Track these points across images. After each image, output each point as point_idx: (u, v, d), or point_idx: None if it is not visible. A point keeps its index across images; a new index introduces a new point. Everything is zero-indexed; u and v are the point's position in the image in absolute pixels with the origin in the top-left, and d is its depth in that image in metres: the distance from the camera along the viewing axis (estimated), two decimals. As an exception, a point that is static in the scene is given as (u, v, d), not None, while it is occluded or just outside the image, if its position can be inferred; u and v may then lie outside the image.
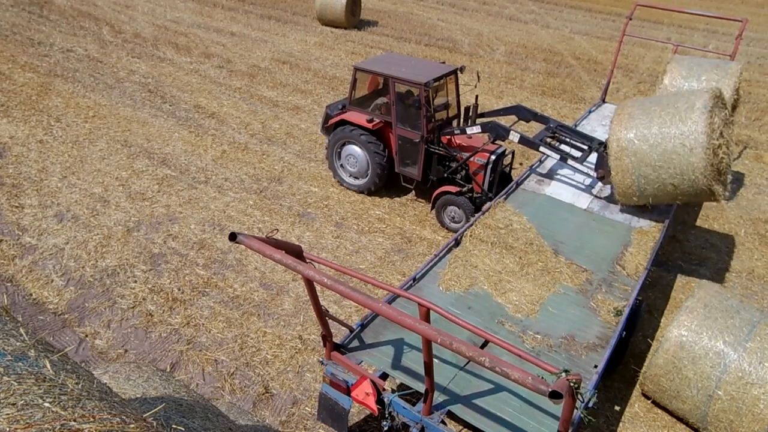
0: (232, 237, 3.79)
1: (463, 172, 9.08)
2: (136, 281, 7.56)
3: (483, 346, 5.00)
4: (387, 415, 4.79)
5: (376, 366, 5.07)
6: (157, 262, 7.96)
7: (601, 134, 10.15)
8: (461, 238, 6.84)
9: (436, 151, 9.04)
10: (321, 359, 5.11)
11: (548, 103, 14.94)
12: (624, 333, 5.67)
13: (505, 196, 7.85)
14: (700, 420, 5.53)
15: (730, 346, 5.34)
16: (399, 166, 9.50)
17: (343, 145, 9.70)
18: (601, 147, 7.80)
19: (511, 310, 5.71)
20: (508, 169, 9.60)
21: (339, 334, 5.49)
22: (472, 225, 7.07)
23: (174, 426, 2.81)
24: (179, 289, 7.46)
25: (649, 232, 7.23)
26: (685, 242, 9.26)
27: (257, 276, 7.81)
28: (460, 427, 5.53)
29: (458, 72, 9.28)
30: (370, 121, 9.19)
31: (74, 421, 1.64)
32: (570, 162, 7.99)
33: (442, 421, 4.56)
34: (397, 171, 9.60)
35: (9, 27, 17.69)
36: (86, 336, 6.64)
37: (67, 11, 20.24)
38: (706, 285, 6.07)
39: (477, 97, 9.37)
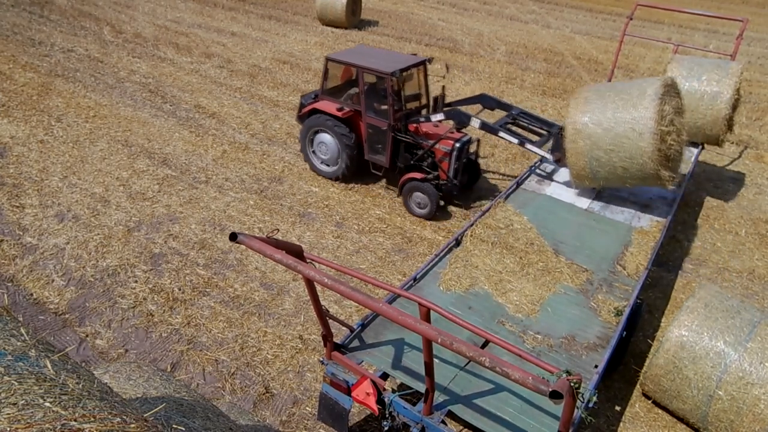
0: (233, 237, 3.79)
1: (430, 159, 9.33)
2: (136, 281, 7.56)
3: (483, 346, 5.00)
4: (387, 415, 4.79)
5: (377, 366, 5.07)
6: (158, 262, 7.96)
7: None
8: (462, 238, 6.84)
9: (403, 138, 9.29)
10: (321, 359, 5.12)
11: (549, 103, 14.93)
12: (624, 333, 5.67)
13: (505, 196, 7.86)
14: (701, 420, 5.53)
15: (731, 346, 5.33)
16: (368, 154, 9.81)
17: (316, 133, 10.01)
18: (560, 131, 8.07)
19: (511, 310, 5.72)
20: (474, 156, 9.89)
21: (339, 334, 5.49)
22: (472, 225, 7.08)
23: (174, 426, 2.81)
24: (180, 289, 7.47)
25: (649, 232, 7.23)
26: (686, 242, 9.26)
27: (258, 276, 7.81)
28: (461, 427, 5.53)
29: (426, 63, 9.55)
30: (340, 109, 9.48)
31: (75, 420, 1.64)
32: (527, 146, 8.25)
33: (443, 421, 4.56)
34: (366, 158, 9.89)
35: (10, 27, 17.70)
36: (87, 336, 6.64)
37: (68, 11, 20.25)
38: (706, 285, 6.07)
39: (444, 87, 9.65)
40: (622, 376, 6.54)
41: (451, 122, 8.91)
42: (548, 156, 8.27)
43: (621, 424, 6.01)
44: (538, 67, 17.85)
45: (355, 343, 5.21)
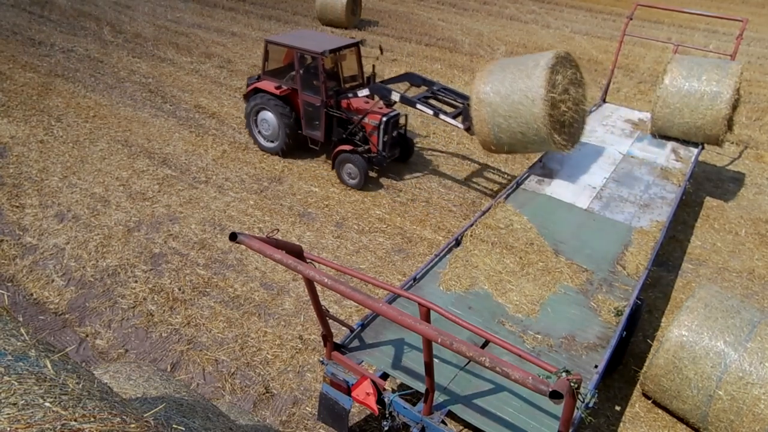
0: (233, 237, 3.78)
1: (361, 133, 10.02)
2: (136, 281, 7.56)
3: (483, 346, 5.00)
4: (387, 415, 4.79)
5: (377, 366, 5.07)
6: (158, 261, 7.96)
7: (601, 133, 10.17)
8: (462, 238, 6.84)
9: (336, 114, 10.05)
10: (321, 359, 5.11)
11: (549, 103, 14.93)
12: (624, 333, 5.67)
13: (505, 196, 7.86)
14: (701, 420, 5.53)
15: (731, 346, 5.33)
16: (305, 129, 10.56)
17: (258, 111, 10.69)
18: (467, 102, 8.63)
19: (511, 310, 5.71)
20: (403, 130, 10.59)
21: (339, 334, 5.49)
22: (472, 225, 7.08)
23: (174, 426, 2.81)
24: (180, 289, 7.46)
25: (649, 232, 7.23)
26: (686, 242, 9.26)
27: (258, 276, 7.81)
28: (461, 427, 5.53)
29: (359, 45, 10.44)
30: (278, 88, 10.23)
31: (75, 420, 1.64)
32: (441, 116, 8.82)
33: (443, 421, 4.56)
34: (303, 134, 10.62)
35: (10, 27, 17.70)
36: (87, 336, 6.64)
37: (68, 11, 20.25)
38: (706, 285, 6.07)
39: (374, 66, 10.27)
40: (622, 376, 6.54)
41: (382, 99, 9.64)
42: (459, 125, 8.77)
43: (621, 424, 6.01)
44: (538, 67, 17.83)
45: (355, 343, 5.21)
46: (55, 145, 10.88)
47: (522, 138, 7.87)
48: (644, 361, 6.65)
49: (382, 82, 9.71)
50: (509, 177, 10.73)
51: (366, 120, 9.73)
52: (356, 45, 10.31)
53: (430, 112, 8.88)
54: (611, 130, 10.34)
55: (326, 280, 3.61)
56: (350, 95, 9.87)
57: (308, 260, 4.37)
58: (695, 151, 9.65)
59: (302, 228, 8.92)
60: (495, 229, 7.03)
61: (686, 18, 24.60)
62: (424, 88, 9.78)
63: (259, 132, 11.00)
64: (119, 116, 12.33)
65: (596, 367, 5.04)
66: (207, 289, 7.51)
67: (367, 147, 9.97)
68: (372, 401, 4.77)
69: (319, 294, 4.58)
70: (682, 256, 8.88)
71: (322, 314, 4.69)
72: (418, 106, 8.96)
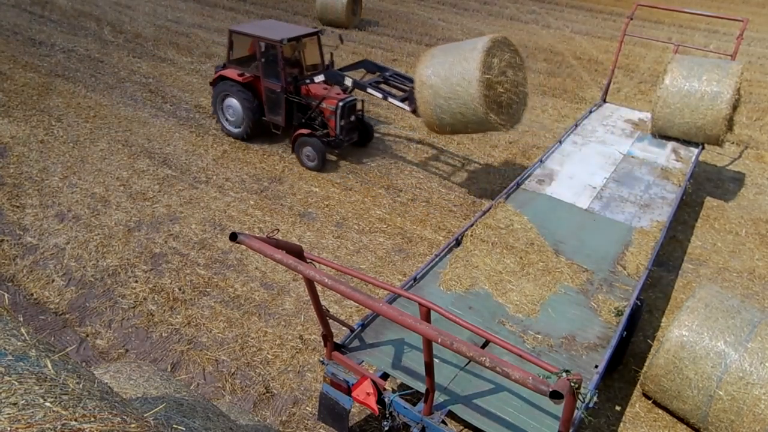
0: (233, 237, 3.79)
1: (319, 118, 10.57)
2: (137, 281, 7.56)
3: (484, 346, 5.00)
4: (388, 415, 4.79)
5: (377, 366, 5.07)
6: (158, 261, 7.96)
7: (601, 133, 10.17)
8: (462, 238, 6.84)
9: (295, 100, 10.60)
10: (322, 359, 5.11)
11: (549, 102, 14.94)
12: (625, 333, 5.67)
13: (505, 196, 7.86)
14: (701, 420, 5.53)
15: (731, 346, 5.33)
16: (268, 114, 11.08)
17: (224, 98, 11.19)
18: (412, 85, 8.95)
19: (511, 310, 5.71)
20: (360, 114, 11.07)
21: (340, 334, 5.49)
22: (472, 225, 7.07)
23: (175, 426, 2.81)
24: (180, 289, 7.47)
25: (649, 232, 7.22)
26: (686, 242, 9.26)
27: (258, 276, 7.81)
28: (461, 427, 5.53)
29: (319, 34, 10.96)
30: (241, 75, 10.72)
31: (75, 420, 1.64)
32: (390, 99, 9.34)
33: (443, 421, 4.56)
34: (266, 119, 11.15)
35: (10, 27, 17.70)
36: (87, 336, 6.65)
37: (68, 11, 20.26)
38: (706, 285, 6.07)
39: (332, 54, 11.02)
40: (622, 376, 6.54)
41: (337, 84, 10.22)
42: (406, 107, 9.17)
43: (621, 424, 6.01)
44: (538, 67, 17.84)
45: (356, 343, 5.21)
46: (55, 145, 10.89)
47: (462, 118, 8.21)
48: (644, 361, 6.65)
49: (340, 69, 10.17)
50: (509, 177, 10.73)
51: (323, 105, 10.27)
52: (316, 34, 10.87)
53: (380, 95, 9.46)
54: (611, 130, 10.34)
55: (326, 280, 3.61)
56: (308, 81, 10.39)
57: (308, 260, 4.37)
58: (695, 151, 9.65)
59: (302, 228, 8.93)
60: (495, 229, 7.03)
61: (686, 18, 24.59)
62: (375, 73, 10.34)
63: (226, 118, 11.51)
64: (119, 116, 12.34)
65: (596, 367, 5.04)
66: (207, 289, 7.51)
67: (325, 131, 10.51)
68: (372, 401, 4.77)
69: (319, 294, 4.58)
70: (683, 256, 8.88)
71: (323, 314, 4.69)
72: (369, 90, 9.52)
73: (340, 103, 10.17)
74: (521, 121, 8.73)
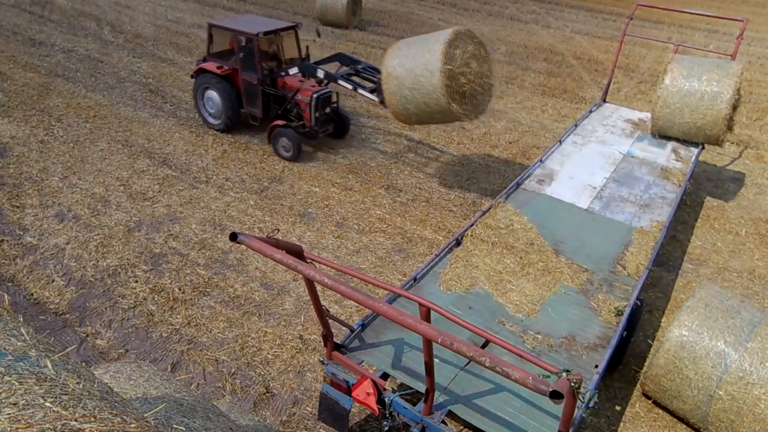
0: (233, 237, 3.78)
1: (295, 110, 10.85)
2: (137, 281, 7.56)
3: (484, 346, 5.00)
4: (388, 415, 4.79)
5: (377, 366, 5.07)
6: (158, 261, 7.96)
7: (601, 133, 10.17)
8: (462, 238, 6.84)
9: (272, 92, 10.90)
10: (322, 359, 5.11)
11: (549, 103, 14.94)
12: (625, 333, 5.67)
13: (505, 196, 7.86)
14: (701, 420, 5.53)
15: (731, 346, 5.33)
16: (246, 106, 11.35)
17: (204, 91, 11.47)
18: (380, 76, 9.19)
19: (511, 310, 5.71)
20: (335, 106, 11.32)
21: (340, 334, 5.49)
22: (472, 225, 7.07)
23: (175, 426, 2.81)
24: (180, 289, 7.47)
25: (649, 232, 7.22)
26: (686, 242, 9.26)
27: (258, 276, 7.81)
28: (461, 427, 5.53)
29: (296, 28, 11.23)
30: (219, 67, 11.03)
31: (75, 420, 1.64)
32: (359, 90, 9.73)
33: (443, 421, 4.56)
34: (244, 110, 11.43)
35: (10, 27, 17.70)
36: (87, 336, 6.65)
37: (68, 11, 20.26)
38: (706, 285, 6.07)
39: (308, 47, 11.22)
40: (622, 376, 6.54)
41: (310, 77, 10.57)
42: (375, 98, 9.54)
43: (621, 424, 6.01)
44: (538, 67, 17.85)
45: (356, 343, 5.21)
46: (55, 145, 10.89)
47: (426, 108, 8.42)
48: (644, 361, 6.66)
49: (315, 62, 10.48)
50: (509, 177, 10.73)
51: (299, 97, 10.58)
52: (293, 28, 11.15)
53: (350, 87, 9.86)
54: (611, 130, 10.34)
55: (326, 280, 3.61)
56: (283, 74, 10.75)
57: (308, 260, 4.37)
58: (695, 151, 9.65)
59: (302, 228, 8.93)
60: (495, 229, 7.03)
61: (686, 18, 24.58)
62: (349, 66, 10.57)
63: (206, 110, 11.77)
64: (119, 116, 12.34)
65: (596, 367, 5.04)
66: (207, 289, 7.51)
67: (301, 122, 10.80)
68: (372, 401, 4.77)
69: (319, 294, 4.58)
70: (683, 256, 8.88)
71: (323, 314, 4.69)
72: (340, 81, 9.91)
73: (315, 95, 10.45)
74: (486, 111, 9.03)
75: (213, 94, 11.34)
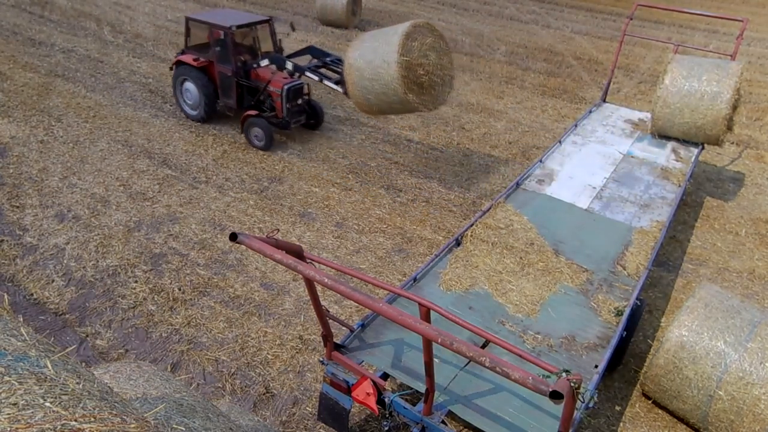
0: (233, 237, 3.78)
1: (268, 101, 11.23)
2: (136, 281, 7.56)
3: (483, 346, 5.00)
4: (387, 415, 4.79)
5: (377, 366, 5.07)
6: (158, 262, 7.96)
7: (601, 133, 10.17)
8: (462, 238, 6.84)
9: (245, 83, 11.26)
10: (321, 359, 5.11)
11: (549, 103, 14.94)
12: (625, 333, 5.67)
13: (505, 196, 7.86)
14: (701, 420, 5.53)
15: (731, 346, 5.33)
16: (221, 97, 11.70)
17: (183, 82, 11.83)
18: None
19: (511, 310, 5.71)
20: (307, 98, 11.61)
21: (339, 334, 5.49)
22: (472, 225, 7.07)
23: (175, 426, 2.81)
24: (180, 289, 7.47)
25: (649, 232, 7.23)
26: (686, 242, 9.26)
27: (258, 276, 7.81)
28: (461, 427, 5.54)
29: (270, 22, 11.56)
30: (195, 60, 11.37)
31: (75, 420, 1.64)
32: (325, 81, 10.08)
33: (443, 421, 4.56)
34: (220, 102, 11.81)
35: (10, 27, 17.70)
36: (87, 336, 6.65)
37: (68, 11, 20.25)
38: (706, 285, 6.07)
39: (280, 41, 11.68)
40: (622, 376, 6.54)
41: (279, 68, 10.93)
42: (339, 89, 9.80)
43: (621, 424, 6.01)
44: (538, 67, 17.85)
45: (355, 343, 5.21)
46: (55, 145, 10.89)
47: (385, 98, 8.67)
48: (644, 361, 6.66)
49: (289, 55, 10.87)
50: (509, 177, 10.73)
51: (271, 88, 10.93)
52: (267, 21, 11.51)
53: (316, 78, 10.22)
54: (611, 130, 10.34)
55: (326, 280, 3.61)
56: (255, 66, 11.10)
57: (308, 260, 4.37)
58: (695, 151, 9.65)
59: (302, 228, 8.93)
60: (495, 229, 7.03)
61: (686, 18, 24.59)
62: (320, 59, 10.91)
63: (184, 101, 12.13)
64: (119, 116, 12.33)
65: (596, 367, 5.04)
66: (207, 289, 7.51)
67: (273, 113, 11.19)
68: (372, 401, 4.77)
69: (319, 294, 4.58)
70: (682, 256, 8.88)
71: (322, 314, 4.69)
72: (307, 73, 10.31)
73: (286, 87, 10.80)
74: (446, 102, 9.26)
75: (191, 86, 11.69)
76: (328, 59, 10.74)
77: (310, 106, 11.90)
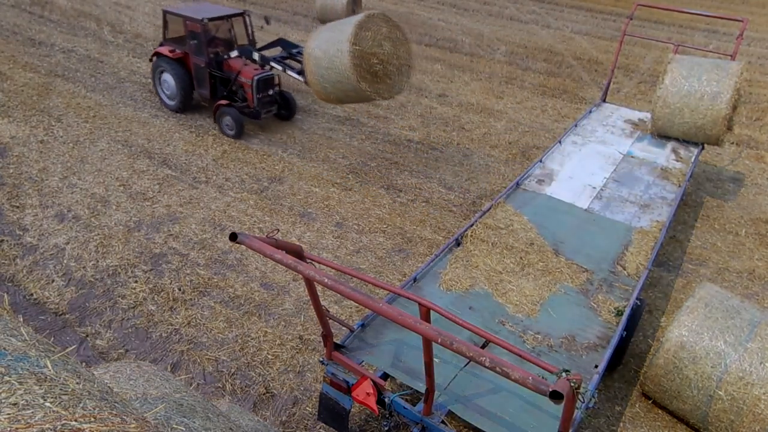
0: (233, 237, 3.78)
1: (240, 91, 11.58)
2: (136, 281, 7.56)
3: (483, 346, 5.00)
4: (387, 415, 4.79)
5: (377, 366, 5.07)
6: (158, 262, 7.96)
7: (601, 133, 10.17)
8: (462, 238, 6.84)
9: (218, 74, 11.66)
10: (321, 359, 5.11)
11: (549, 103, 14.94)
12: (625, 333, 5.67)
13: (505, 196, 7.86)
14: (701, 420, 5.53)
15: (731, 346, 5.33)
16: (197, 88, 12.12)
17: (161, 74, 12.28)
18: None
19: (511, 310, 5.71)
20: (278, 89, 11.92)
21: (339, 334, 5.49)
22: (472, 225, 7.07)
23: (175, 426, 2.81)
24: (180, 289, 7.47)
25: (649, 232, 7.23)
26: (686, 242, 9.26)
27: (258, 276, 7.81)
28: (461, 427, 5.53)
29: (245, 15, 11.85)
30: (172, 51, 11.77)
31: (75, 420, 1.64)
32: (288, 72, 10.43)
33: (443, 421, 4.56)
34: (195, 92, 12.22)
35: (10, 27, 17.70)
36: (87, 336, 6.65)
37: (68, 11, 20.25)
38: (706, 285, 6.07)
39: (253, 33, 12.00)
40: (622, 376, 6.54)
41: (248, 60, 11.25)
42: (301, 78, 10.08)
43: (621, 424, 6.01)
44: (538, 67, 17.85)
45: (355, 343, 5.21)
46: (55, 145, 10.88)
47: (341, 87, 8.87)
48: (644, 361, 6.66)
49: (259, 48, 11.27)
50: (509, 177, 10.73)
51: (242, 79, 11.28)
52: (241, 15, 11.82)
53: (280, 68, 10.60)
54: (611, 130, 10.34)
55: (326, 280, 3.61)
56: (226, 57, 11.44)
57: (308, 260, 4.37)
58: (695, 151, 9.65)
59: (302, 228, 8.93)
60: (495, 229, 7.03)
61: (686, 18, 24.58)
62: (286, 50, 11.31)
63: (163, 91, 12.55)
64: (119, 116, 12.34)
65: (596, 367, 5.04)
66: (207, 289, 7.51)
67: (245, 103, 11.54)
68: (372, 401, 4.77)
69: (319, 294, 4.58)
70: (682, 256, 8.88)
71: (322, 314, 4.69)
72: (271, 63, 10.69)
73: (256, 77, 11.12)
74: (402, 91, 9.49)
75: (168, 77, 12.11)
76: (294, 50, 11.07)
77: (282, 97, 12.21)
